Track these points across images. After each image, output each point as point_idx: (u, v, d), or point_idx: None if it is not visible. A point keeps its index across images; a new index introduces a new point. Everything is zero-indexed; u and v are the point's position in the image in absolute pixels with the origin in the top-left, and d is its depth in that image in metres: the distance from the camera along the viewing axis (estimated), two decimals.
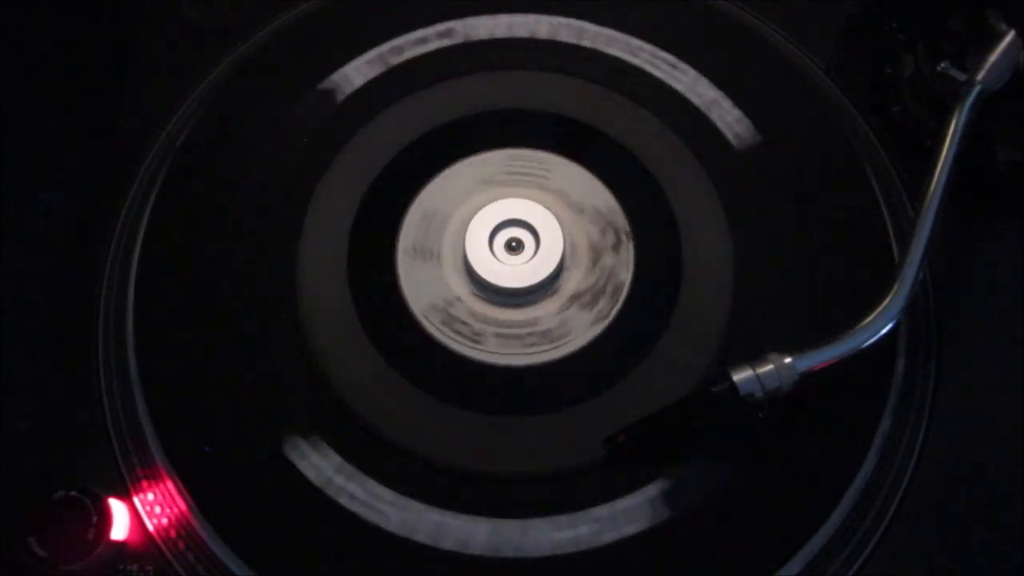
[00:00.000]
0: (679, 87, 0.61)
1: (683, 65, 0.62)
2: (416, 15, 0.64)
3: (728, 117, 0.60)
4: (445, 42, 0.63)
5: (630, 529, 0.50)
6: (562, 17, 0.63)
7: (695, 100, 0.61)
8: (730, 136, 0.60)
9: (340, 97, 0.61)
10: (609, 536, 0.50)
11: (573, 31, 0.63)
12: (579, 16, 0.64)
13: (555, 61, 0.62)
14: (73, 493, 0.50)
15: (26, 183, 0.60)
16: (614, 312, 0.56)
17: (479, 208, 0.57)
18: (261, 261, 0.57)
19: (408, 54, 0.63)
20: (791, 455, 0.52)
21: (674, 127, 0.60)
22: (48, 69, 0.63)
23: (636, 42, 0.63)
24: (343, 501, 0.51)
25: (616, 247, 0.57)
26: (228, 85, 0.62)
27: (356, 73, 0.62)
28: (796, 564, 0.50)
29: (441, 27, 0.63)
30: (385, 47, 0.63)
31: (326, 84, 0.62)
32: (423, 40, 0.63)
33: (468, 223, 0.57)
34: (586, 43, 0.63)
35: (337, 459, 0.52)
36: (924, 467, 0.52)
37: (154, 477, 0.52)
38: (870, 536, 0.51)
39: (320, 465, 0.52)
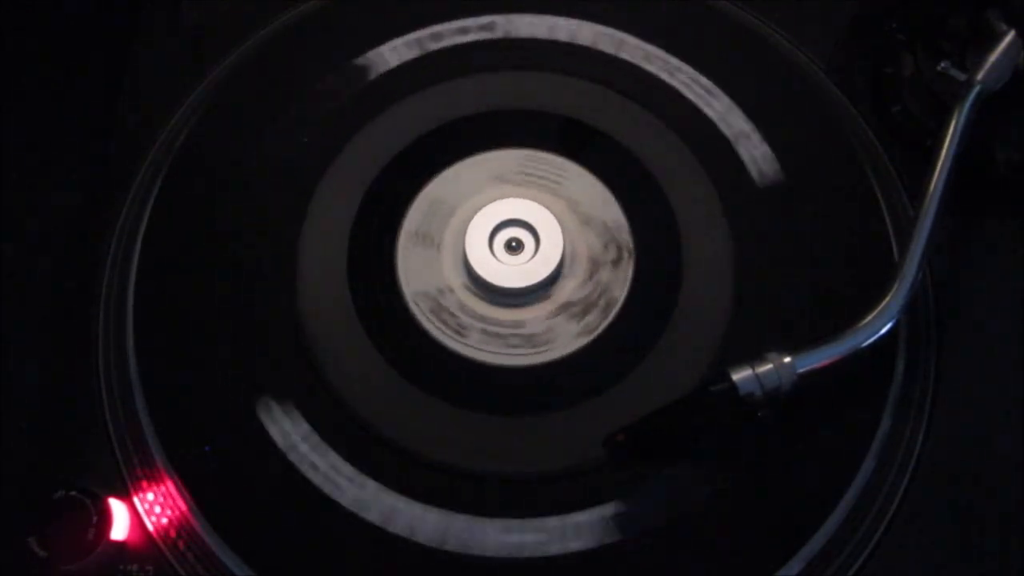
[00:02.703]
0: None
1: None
2: (417, 15, 0.64)
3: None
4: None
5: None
6: (601, 25, 0.63)
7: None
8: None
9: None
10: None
11: (613, 41, 0.63)
12: (589, 17, 0.64)
13: (577, 64, 0.62)
14: (73, 493, 0.50)
15: (26, 183, 0.60)
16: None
17: (483, 205, 0.57)
18: (261, 261, 0.57)
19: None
20: (791, 455, 0.52)
21: (675, 128, 0.60)
22: (48, 69, 0.63)
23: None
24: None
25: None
26: (228, 85, 0.62)
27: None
28: (796, 564, 0.50)
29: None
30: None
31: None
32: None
33: (470, 220, 0.57)
34: (601, 46, 0.63)
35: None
36: (924, 467, 0.52)
37: (154, 477, 0.52)
38: (870, 536, 0.51)
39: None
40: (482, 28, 0.63)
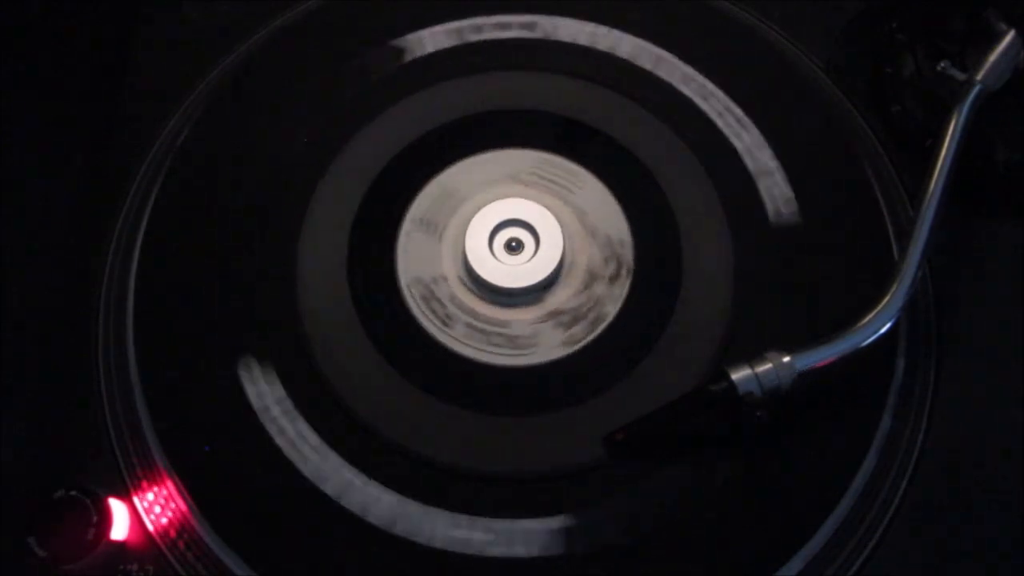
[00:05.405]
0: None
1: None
2: (416, 14, 0.64)
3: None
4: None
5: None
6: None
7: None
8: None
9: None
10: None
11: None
12: (590, 17, 0.64)
13: (579, 65, 0.62)
14: (73, 493, 0.50)
15: (27, 182, 0.60)
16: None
17: (488, 202, 0.57)
18: (261, 261, 0.57)
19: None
20: (791, 455, 0.52)
21: (674, 129, 0.60)
22: (48, 69, 0.63)
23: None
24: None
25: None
26: (228, 84, 0.62)
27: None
28: (796, 564, 0.50)
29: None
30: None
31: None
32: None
33: (470, 220, 0.57)
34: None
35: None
36: (924, 467, 0.52)
37: (154, 477, 0.52)
38: (870, 536, 0.51)
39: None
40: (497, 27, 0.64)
